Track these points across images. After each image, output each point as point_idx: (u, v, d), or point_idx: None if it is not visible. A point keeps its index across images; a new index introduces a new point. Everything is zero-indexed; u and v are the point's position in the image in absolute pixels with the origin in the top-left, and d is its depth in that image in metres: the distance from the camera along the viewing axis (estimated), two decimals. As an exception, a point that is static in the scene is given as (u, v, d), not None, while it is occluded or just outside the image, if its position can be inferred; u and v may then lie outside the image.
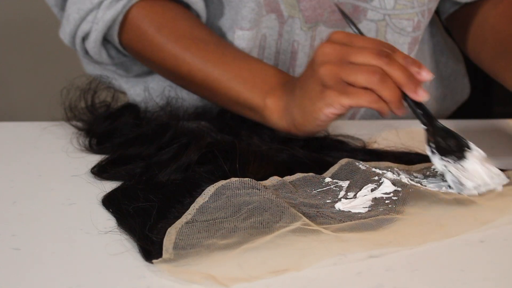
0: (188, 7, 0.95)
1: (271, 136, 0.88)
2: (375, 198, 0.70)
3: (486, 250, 0.64)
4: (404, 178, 0.73)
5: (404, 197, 0.70)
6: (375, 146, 0.87)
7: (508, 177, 0.75)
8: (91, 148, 0.86)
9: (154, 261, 0.60)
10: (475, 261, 0.62)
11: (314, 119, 0.81)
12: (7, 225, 0.68)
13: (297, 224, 0.64)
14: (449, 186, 0.73)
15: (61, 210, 0.72)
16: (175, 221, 0.65)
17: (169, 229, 0.63)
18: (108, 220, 0.69)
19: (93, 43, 0.94)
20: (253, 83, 0.87)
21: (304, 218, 0.64)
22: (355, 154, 0.82)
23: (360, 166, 0.74)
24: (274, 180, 0.72)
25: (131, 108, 0.93)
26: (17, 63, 2.07)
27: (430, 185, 0.73)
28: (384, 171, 0.73)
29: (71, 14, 0.94)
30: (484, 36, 1.01)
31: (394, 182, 0.72)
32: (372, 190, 0.71)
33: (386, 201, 0.70)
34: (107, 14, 0.92)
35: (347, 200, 0.70)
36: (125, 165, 0.80)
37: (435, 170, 0.76)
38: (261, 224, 0.64)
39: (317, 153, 0.82)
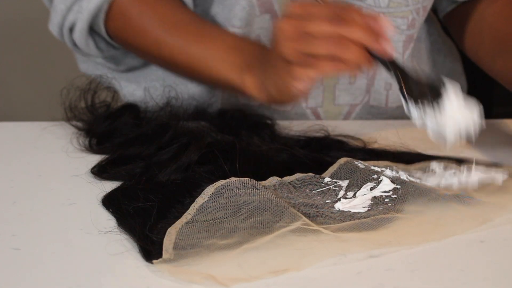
0: None
1: (271, 136, 0.88)
2: (375, 197, 0.70)
3: (486, 250, 0.64)
4: (403, 176, 0.73)
5: (403, 195, 0.70)
6: (375, 146, 0.87)
7: (506, 174, 0.75)
8: (91, 148, 0.86)
9: (154, 261, 0.60)
10: (475, 261, 0.62)
11: (288, 94, 0.84)
12: (7, 225, 0.68)
13: (297, 224, 0.64)
14: (450, 184, 0.73)
15: (61, 210, 0.72)
16: (175, 221, 0.65)
17: (169, 229, 0.63)
18: (108, 220, 0.69)
19: (79, 33, 0.95)
20: (231, 62, 0.89)
21: (304, 218, 0.64)
22: (355, 153, 0.82)
23: (359, 165, 0.74)
24: (273, 180, 0.72)
25: (131, 108, 0.93)
26: (17, 63, 2.07)
27: (430, 183, 0.73)
28: (383, 169, 0.73)
29: (57, 4, 0.95)
30: (481, 35, 1.01)
31: (393, 180, 0.72)
32: (371, 188, 0.71)
33: (386, 200, 0.70)
34: (92, 3, 0.93)
35: (347, 200, 0.70)
36: (125, 165, 0.80)
37: (434, 168, 0.76)
38: (261, 224, 0.64)
39: (317, 153, 0.82)
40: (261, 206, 0.66)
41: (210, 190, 0.68)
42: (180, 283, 0.58)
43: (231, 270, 0.59)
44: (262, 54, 0.88)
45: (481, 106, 0.74)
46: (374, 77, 1.03)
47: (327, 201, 0.70)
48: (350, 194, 0.71)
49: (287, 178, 0.73)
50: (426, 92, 0.74)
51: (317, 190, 0.72)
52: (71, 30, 0.96)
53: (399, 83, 0.76)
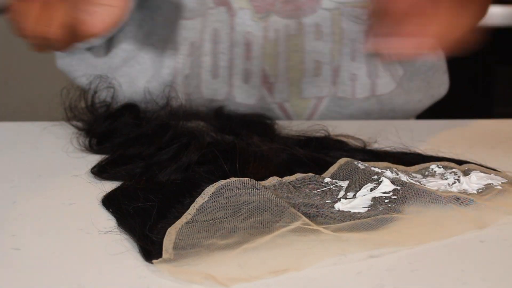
0: None
1: (271, 136, 0.88)
2: (375, 197, 0.70)
3: (486, 250, 0.64)
4: (403, 177, 0.73)
5: (403, 196, 0.70)
6: (375, 146, 0.87)
7: (506, 178, 0.75)
8: (91, 148, 0.86)
9: (154, 261, 0.60)
10: (475, 261, 0.62)
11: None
12: (7, 225, 0.68)
13: (297, 224, 0.64)
14: (449, 184, 0.73)
15: (61, 210, 0.72)
16: (175, 221, 0.65)
17: (169, 229, 0.63)
18: (108, 220, 0.69)
19: None
20: None
21: (304, 218, 0.64)
22: (355, 154, 0.82)
23: (359, 165, 0.74)
24: (273, 180, 0.72)
25: (131, 108, 0.93)
26: (17, 63, 2.07)
27: (429, 185, 0.73)
28: (384, 170, 0.73)
29: None
30: None
31: (393, 181, 0.72)
32: (372, 189, 0.71)
33: (386, 201, 0.70)
34: None
35: (347, 200, 0.70)
36: (125, 165, 0.80)
37: (434, 170, 0.76)
38: (261, 224, 0.64)
39: (317, 153, 0.82)
40: (261, 206, 0.66)
41: (210, 190, 0.68)
42: (180, 283, 0.58)
43: (231, 270, 0.59)
44: None
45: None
46: (338, 69, 1.02)
47: (327, 201, 0.70)
48: (350, 194, 0.71)
49: (287, 178, 0.73)
50: None
51: (317, 191, 0.72)
52: None
53: None
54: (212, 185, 0.68)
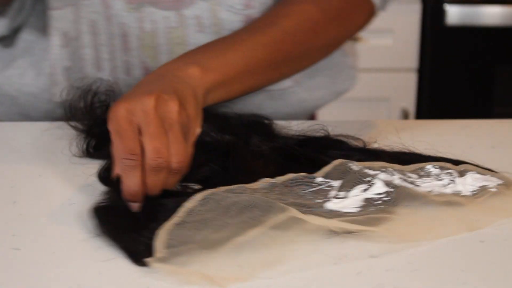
0: None
1: (270, 136, 0.87)
2: (367, 198, 0.70)
3: (486, 250, 0.64)
4: (397, 179, 0.72)
5: (396, 197, 0.69)
6: (375, 146, 0.87)
7: (502, 179, 0.74)
8: (88, 153, 0.86)
9: (146, 260, 0.60)
10: (475, 261, 0.62)
11: None
12: (7, 225, 0.68)
13: (288, 213, 0.63)
14: (444, 185, 0.73)
15: (61, 210, 0.72)
16: (162, 224, 0.64)
17: (159, 231, 0.63)
18: (108, 220, 0.69)
19: None
20: None
21: (294, 210, 0.64)
22: (353, 153, 0.81)
23: (353, 166, 0.74)
24: (264, 182, 0.71)
25: None
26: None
27: (424, 185, 0.73)
28: (377, 172, 0.73)
29: None
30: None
31: (386, 183, 0.71)
32: (364, 190, 0.71)
33: (377, 202, 0.69)
34: None
35: (338, 199, 0.70)
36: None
37: (429, 170, 0.76)
38: (252, 219, 0.64)
39: (317, 152, 0.82)
40: (250, 204, 0.65)
41: (198, 196, 0.67)
42: (179, 285, 0.58)
43: (227, 270, 0.59)
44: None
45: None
46: None
47: (318, 200, 0.70)
48: (341, 194, 0.71)
49: (279, 179, 0.72)
50: None
51: (309, 190, 0.71)
52: None
53: None
54: (200, 193, 0.68)
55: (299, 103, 1.04)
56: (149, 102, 0.71)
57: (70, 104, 0.93)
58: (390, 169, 0.75)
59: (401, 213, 0.68)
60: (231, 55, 0.85)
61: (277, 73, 0.91)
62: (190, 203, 0.66)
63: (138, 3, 0.95)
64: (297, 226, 0.65)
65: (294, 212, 0.64)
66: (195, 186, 0.74)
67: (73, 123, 0.93)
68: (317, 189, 0.72)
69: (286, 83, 1.01)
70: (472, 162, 0.79)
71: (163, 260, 0.60)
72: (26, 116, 1.02)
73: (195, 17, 0.95)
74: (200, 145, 0.79)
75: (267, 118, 0.93)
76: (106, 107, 0.94)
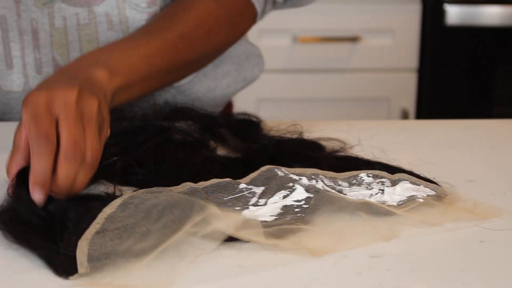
0: None
1: (255, 136, 0.86)
2: (285, 205, 0.69)
3: (486, 250, 0.64)
4: (320, 184, 0.71)
5: (314, 204, 0.68)
6: (356, 149, 0.85)
7: (435, 191, 0.72)
8: None
9: (71, 277, 0.58)
10: (475, 261, 0.62)
11: None
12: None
13: (209, 210, 0.62)
14: (371, 195, 0.71)
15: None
16: (75, 229, 0.63)
17: (79, 242, 0.61)
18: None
19: None
20: None
21: (214, 207, 0.63)
22: (319, 162, 0.79)
23: (279, 172, 0.73)
24: (186, 186, 0.71)
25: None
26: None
27: (351, 194, 0.71)
28: (300, 177, 0.72)
29: None
30: None
31: (307, 189, 0.70)
32: (284, 197, 0.70)
33: (296, 209, 0.68)
34: None
35: (256, 207, 0.69)
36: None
37: (362, 178, 0.74)
38: (173, 222, 0.62)
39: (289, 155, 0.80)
40: (170, 204, 0.64)
41: (117, 202, 0.66)
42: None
43: (151, 279, 0.58)
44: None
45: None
46: None
47: (237, 208, 0.69)
48: (262, 201, 0.70)
49: (201, 184, 0.72)
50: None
51: (230, 197, 0.70)
52: None
53: None
54: (119, 197, 0.67)
55: (205, 93, 1.03)
56: (71, 95, 0.71)
57: None
58: (321, 176, 0.73)
59: (317, 222, 0.66)
60: (135, 59, 0.86)
61: (176, 76, 0.95)
62: (109, 209, 0.65)
63: None
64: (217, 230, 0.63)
65: (215, 211, 0.63)
66: (129, 191, 0.72)
67: None
68: (238, 196, 0.71)
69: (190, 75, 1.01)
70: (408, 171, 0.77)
71: (86, 275, 0.58)
72: None
73: (105, 14, 0.95)
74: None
75: (255, 117, 0.92)
76: None
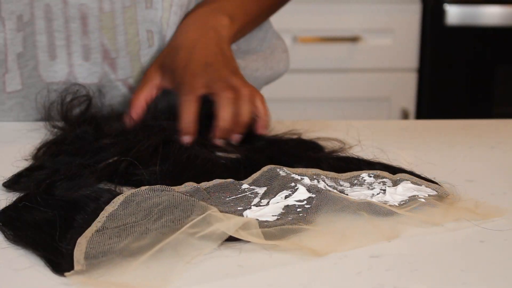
0: None
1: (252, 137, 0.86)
2: (287, 205, 0.69)
3: (486, 250, 0.64)
4: (322, 184, 0.71)
5: (316, 204, 0.68)
6: (356, 149, 0.85)
7: (437, 191, 0.72)
8: (36, 158, 0.81)
9: (66, 274, 0.58)
10: (475, 261, 0.62)
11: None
12: None
13: (208, 212, 0.62)
14: (373, 195, 0.71)
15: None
16: (83, 229, 0.63)
17: (79, 239, 0.61)
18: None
19: None
20: None
21: (215, 208, 0.63)
22: (312, 161, 0.79)
23: (281, 172, 0.73)
24: (188, 186, 0.71)
25: (91, 118, 0.89)
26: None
27: (353, 194, 0.71)
28: (302, 177, 0.72)
29: None
30: None
31: (309, 189, 0.70)
32: (286, 197, 0.70)
33: (298, 209, 0.68)
34: None
35: (258, 207, 0.68)
36: (36, 174, 0.75)
37: (364, 178, 0.74)
38: (173, 222, 0.62)
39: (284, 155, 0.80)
40: (171, 204, 0.64)
41: (119, 199, 0.66)
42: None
43: (147, 278, 0.57)
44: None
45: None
46: (165, 38, 0.99)
47: (239, 208, 0.69)
48: (264, 201, 0.70)
49: (204, 184, 0.72)
50: None
51: (232, 197, 0.70)
52: None
53: None
54: (121, 194, 0.67)
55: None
56: (228, 95, 0.86)
57: (49, 106, 0.91)
58: (323, 176, 0.73)
59: (319, 222, 0.66)
60: (248, 3, 0.99)
61: (258, 23, 1.06)
62: (110, 206, 0.65)
63: None
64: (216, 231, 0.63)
65: (215, 212, 0.63)
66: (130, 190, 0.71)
67: (51, 124, 0.90)
68: (241, 196, 0.71)
69: None
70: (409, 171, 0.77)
71: (81, 272, 0.58)
72: None
73: None
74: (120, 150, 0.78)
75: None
76: (83, 113, 0.91)
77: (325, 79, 2.14)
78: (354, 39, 2.10)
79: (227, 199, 0.70)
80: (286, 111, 2.20)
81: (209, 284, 0.58)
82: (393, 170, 0.77)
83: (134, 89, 0.97)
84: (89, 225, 0.64)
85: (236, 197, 0.71)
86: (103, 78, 0.97)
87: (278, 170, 0.73)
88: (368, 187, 0.73)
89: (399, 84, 2.15)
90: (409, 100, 2.15)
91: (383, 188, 0.72)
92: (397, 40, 2.12)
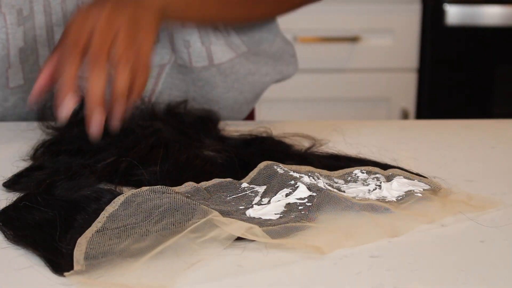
0: None
1: (218, 136, 0.86)
2: (289, 203, 0.69)
3: (486, 250, 0.64)
4: (321, 183, 0.71)
5: (318, 202, 0.68)
6: (329, 145, 0.85)
7: (429, 185, 0.73)
8: (34, 159, 0.81)
9: (65, 274, 0.58)
10: (475, 261, 0.62)
11: None
12: None
13: (209, 217, 0.62)
14: (369, 191, 0.72)
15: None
16: (83, 229, 0.63)
17: (79, 239, 0.61)
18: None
19: None
20: None
21: (216, 213, 0.63)
22: (286, 158, 0.79)
23: (278, 170, 0.73)
24: (188, 186, 0.70)
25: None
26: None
27: (350, 190, 0.72)
28: (302, 175, 0.72)
29: None
30: None
31: (310, 187, 0.70)
32: (287, 195, 0.70)
33: (300, 207, 0.68)
34: None
35: (260, 206, 0.68)
36: (35, 175, 0.75)
37: (357, 175, 0.74)
38: (173, 225, 0.62)
39: (260, 155, 0.80)
40: (172, 207, 0.64)
41: (120, 199, 0.66)
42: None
43: (147, 279, 0.57)
44: None
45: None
46: (172, 35, 0.99)
47: (240, 207, 0.69)
48: (265, 200, 0.70)
49: (203, 184, 0.71)
50: None
51: (233, 197, 0.70)
52: None
53: None
54: (122, 194, 0.67)
55: (245, 76, 1.03)
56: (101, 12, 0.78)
57: (42, 107, 0.90)
58: (317, 174, 0.73)
59: (321, 220, 0.66)
60: None
61: (234, 10, 0.96)
62: (111, 207, 0.65)
63: None
64: (216, 231, 0.63)
65: (217, 217, 0.63)
66: (130, 190, 0.71)
67: (43, 126, 0.89)
68: (241, 195, 0.71)
69: (229, 54, 1.01)
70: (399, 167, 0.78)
71: (80, 272, 0.57)
72: None
73: None
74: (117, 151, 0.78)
75: (214, 114, 0.92)
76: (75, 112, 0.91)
77: (325, 79, 2.14)
78: (354, 39, 2.10)
79: (228, 198, 0.70)
80: (286, 111, 2.20)
81: (209, 284, 0.58)
82: (382, 166, 0.77)
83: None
84: (89, 225, 0.64)
85: (236, 196, 0.71)
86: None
87: (275, 167, 0.73)
88: (363, 183, 0.73)
89: (399, 84, 2.15)
90: (409, 100, 2.16)
91: (378, 183, 0.73)
92: (397, 40, 2.12)
